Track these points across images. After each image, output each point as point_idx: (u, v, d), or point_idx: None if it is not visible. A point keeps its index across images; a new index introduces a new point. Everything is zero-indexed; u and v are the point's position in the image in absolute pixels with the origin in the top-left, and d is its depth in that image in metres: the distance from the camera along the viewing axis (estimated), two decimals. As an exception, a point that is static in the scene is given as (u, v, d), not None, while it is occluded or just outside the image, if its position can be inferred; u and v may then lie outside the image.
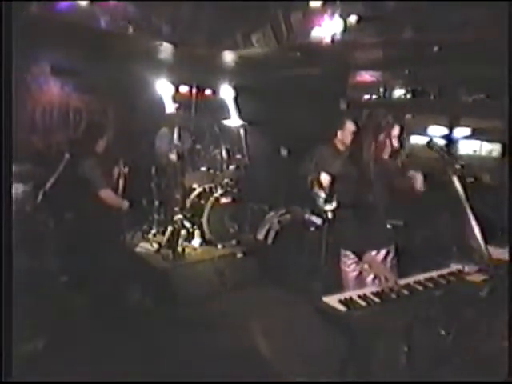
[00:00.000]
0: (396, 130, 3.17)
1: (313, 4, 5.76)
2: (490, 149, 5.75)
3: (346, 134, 4.90)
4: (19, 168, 4.91)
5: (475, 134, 5.85)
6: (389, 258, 3.27)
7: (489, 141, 5.72)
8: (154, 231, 6.62)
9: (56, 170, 4.71)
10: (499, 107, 4.12)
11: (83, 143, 5.12)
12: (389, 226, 3.26)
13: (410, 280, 2.82)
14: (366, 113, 3.34)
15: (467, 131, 5.90)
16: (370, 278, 3.18)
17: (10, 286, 2.47)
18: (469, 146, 5.88)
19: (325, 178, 3.95)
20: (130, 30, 6.11)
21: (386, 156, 3.20)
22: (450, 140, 5.94)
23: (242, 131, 6.94)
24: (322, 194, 3.86)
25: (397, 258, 3.35)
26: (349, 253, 3.30)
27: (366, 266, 3.19)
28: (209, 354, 4.14)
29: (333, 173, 3.49)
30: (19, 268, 4.28)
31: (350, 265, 3.33)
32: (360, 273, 3.30)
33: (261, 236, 6.27)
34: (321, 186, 3.95)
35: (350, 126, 4.85)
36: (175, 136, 6.46)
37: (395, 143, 3.17)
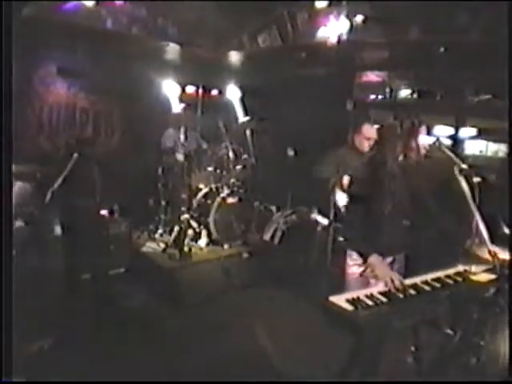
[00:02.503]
0: (421, 133, 3.17)
1: (318, 4, 5.78)
2: (496, 149, 5.74)
3: (366, 136, 4.81)
4: (27, 168, 4.94)
5: (481, 135, 5.85)
6: (396, 266, 3.26)
7: (495, 141, 5.71)
8: (160, 231, 6.64)
9: (64, 169, 4.74)
10: (505, 108, 4.12)
11: (90, 143, 5.16)
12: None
13: (417, 280, 2.83)
14: (391, 115, 3.33)
15: (473, 131, 5.89)
16: (372, 280, 3.16)
17: (10, 287, 2.47)
18: (475, 147, 5.88)
19: (347, 182, 3.91)
20: (136, 30, 6.15)
21: (410, 159, 3.20)
22: (455, 140, 5.94)
23: (248, 131, 6.95)
24: (345, 198, 3.84)
25: (405, 265, 3.35)
26: (353, 253, 3.30)
27: (368, 269, 3.17)
28: (213, 353, 4.15)
29: (355, 176, 3.45)
30: (24, 267, 4.34)
31: (351, 266, 3.33)
32: (361, 275, 3.30)
33: (267, 236, 6.28)
34: (343, 189, 3.92)
35: (369, 129, 4.79)
36: (182, 136, 6.48)
37: (420, 146, 3.17)
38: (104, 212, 5.31)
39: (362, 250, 3.16)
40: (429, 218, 3.26)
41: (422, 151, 3.19)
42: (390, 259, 3.24)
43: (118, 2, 5.78)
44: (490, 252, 2.66)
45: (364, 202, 3.21)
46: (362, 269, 3.23)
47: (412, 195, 3.25)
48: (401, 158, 3.20)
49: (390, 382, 2.76)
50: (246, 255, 6.22)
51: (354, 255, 3.28)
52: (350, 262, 3.36)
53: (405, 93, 6.46)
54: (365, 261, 3.12)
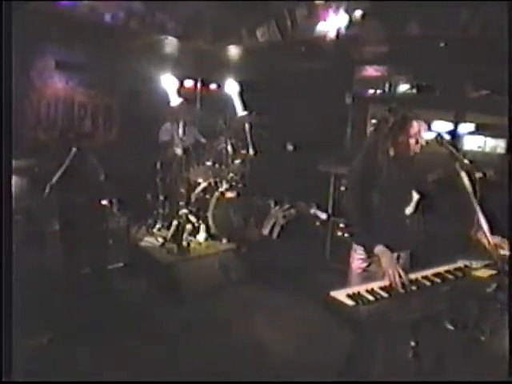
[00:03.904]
0: (415, 129, 3.15)
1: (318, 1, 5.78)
2: (494, 145, 5.74)
3: None
4: (25, 163, 4.92)
5: (480, 130, 5.85)
6: (400, 262, 3.24)
7: (493, 137, 5.72)
8: (158, 225, 6.64)
9: (62, 163, 4.71)
10: (504, 103, 4.12)
11: (89, 137, 5.13)
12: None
13: (418, 275, 2.83)
14: (385, 109, 3.30)
15: (472, 127, 5.89)
16: (376, 275, 3.15)
17: (10, 286, 2.46)
18: (473, 142, 5.88)
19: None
20: (135, 24, 6.13)
21: (402, 153, 3.19)
22: (454, 136, 5.94)
23: (247, 126, 6.93)
24: None
25: (410, 262, 3.34)
26: (358, 247, 3.29)
27: (373, 264, 3.17)
28: (211, 348, 4.15)
29: (353, 170, 3.43)
30: (22, 262, 4.33)
31: (357, 260, 3.32)
32: (364, 270, 3.30)
33: (266, 231, 6.28)
34: None
35: None
36: (180, 130, 6.47)
37: (413, 141, 3.16)
38: (105, 202, 5.30)
39: (367, 243, 3.15)
40: (429, 213, 3.27)
41: (415, 145, 3.18)
42: (394, 255, 3.22)
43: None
44: (490, 243, 2.67)
45: (363, 196, 3.20)
46: (364, 263, 3.24)
47: (408, 190, 3.25)
48: (392, 152, 3.19)
49: (390, 382, 2.76)
50: (244, 250, 6.21)
51: (359, 249, 3.27)
52: (353, 255, 3.35)
53: (404, 87, 6.45)
54: (370, 255, 3.12)
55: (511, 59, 3.57)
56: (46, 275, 4.65)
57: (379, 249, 3.01)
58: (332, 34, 5.84)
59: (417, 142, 3.18)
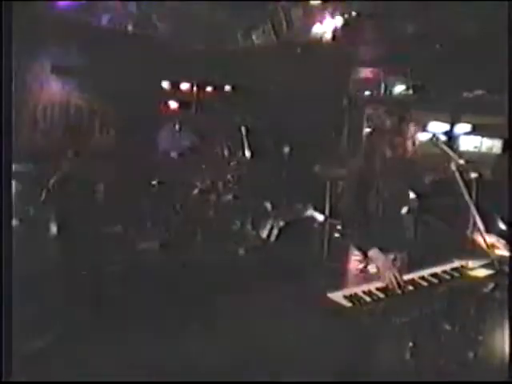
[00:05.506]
0: (411, 130, 3.16)
1: (313, 2, 5.79)
2: (490, 145, 5.76)
3: None
4: (21, 167, 4.91)
5: (476, 131, 5.86)
6: (398, 263, 3.24)
7: (489, 137, 5.73)
8: (156, 228, 6.62)
9: (58, 168, 4.72)
10: (500, 104, 4.14)
11: (85, 141, 5.14)
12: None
13: (415, 275, 2.83)
14: (382, 110, 3.31)
15: (468, 127, 5.90)
16: (373, 276, 3.15)
17: (10, 287, 2.46)
18: (469, 142, 5.89)
19: None
20: (131, 27, 6.13)
21: (398, 155, 3.19)
22: (450, 136, 5.95)
23: (243, 128, 6.93)
24: None
25: (407, 263, 3.34)
26: (354, 249, 3.29)
27: (371, 263, 3.17)
28: (210, 352, 4.14)
29: (349, 171, 3.44)
30: (21, 267, 4.32)
31: (354, 261, 3.32)
32: (362, 271, 3.29)
33: (264, 234, 6.27)
34: None
35: None
36: (176, 134, 6.47)
37: (409, 143, 3.16)
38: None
39: (363, 245, 3.15)
40: (425, 213, 3.27)
41: (411, 147, 3.18)
42: (391, 256, 3.22)
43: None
44: (486, 243, 2.68)
45: (359, 197, 3.21)
46: (361, 265, 3.23)
47: (404, 191, 3.25)
48: (389, 153, 3.20)
49: (390, 381, 2.76)
50: (242, 252, 6.20)
51: (356, 251, 3.27)
52: (352, 257, 3.35)
53: (400, 88, 6.46)
54: (365, 256, 3.12)
55: (511, 59, 3.58)
56: (44, 279, 4.64)
57: (373, 252, 3.01)
58: (328, 36, 5.85)
59: (413, 144, 3.19)
